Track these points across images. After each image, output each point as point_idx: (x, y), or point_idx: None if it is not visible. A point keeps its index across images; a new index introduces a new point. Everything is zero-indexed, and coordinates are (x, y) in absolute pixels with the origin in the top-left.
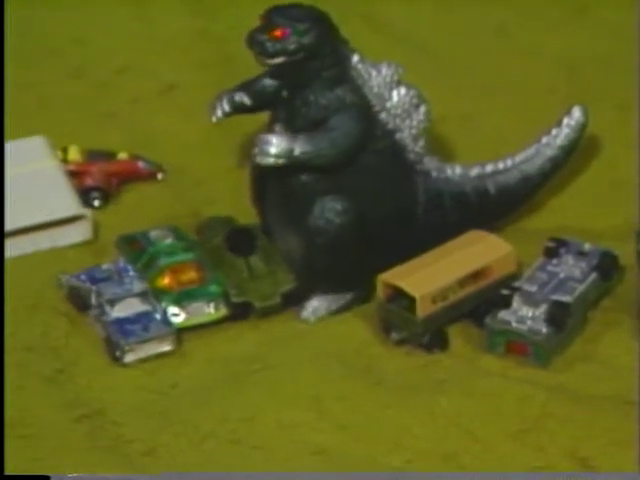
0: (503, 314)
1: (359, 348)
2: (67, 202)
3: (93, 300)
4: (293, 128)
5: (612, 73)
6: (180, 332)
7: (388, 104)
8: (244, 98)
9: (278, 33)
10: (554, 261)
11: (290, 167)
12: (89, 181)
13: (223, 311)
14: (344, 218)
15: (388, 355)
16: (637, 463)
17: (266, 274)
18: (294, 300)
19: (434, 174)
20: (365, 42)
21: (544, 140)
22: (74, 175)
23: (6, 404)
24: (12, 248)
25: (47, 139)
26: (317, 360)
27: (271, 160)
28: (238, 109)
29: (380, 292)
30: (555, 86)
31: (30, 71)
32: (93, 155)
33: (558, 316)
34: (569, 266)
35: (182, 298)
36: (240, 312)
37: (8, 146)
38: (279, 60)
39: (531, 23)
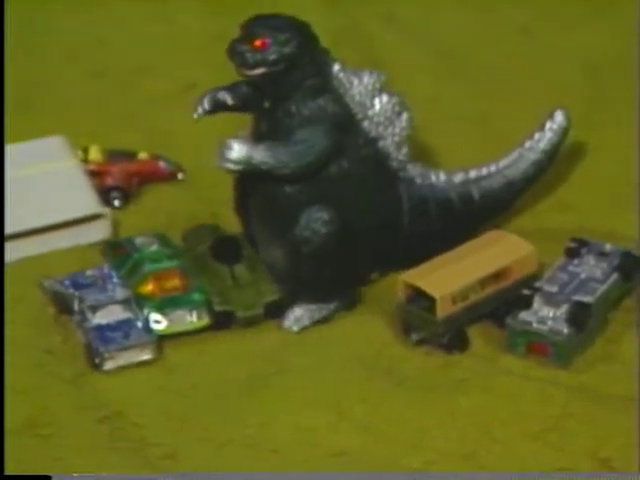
0: (524, 314)
1: (379, 349)
2: (87, 201)
3: (75, 306)
4: (275, 139)
5: (632, 73)
6: (161, 340)
7: (370, 112)
8: (227, 97)
9: (258, 43)
10: (575, 261)
11: (254, 174)
12: (110, 181)
13: (205, 320)
14: (330, 228)
15: (408, 356)
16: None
17: (250, 283)
18: (277, 311)
19: (418, 181)
20: (384, 42)
21: (527, 144)
22: (95, 175)
23: (25, 403)
24: (32, 247)
25: (67, 139)
26: (336, 361)
27: (230, 165)
28: (219, 107)
29: (400, 293)
30: (575, 87)
31: (51, 71)
32: (114, 155)
33: (579, 316)
34: (590, 266)
35: (165, 305)
36: (222, 321)
37: (28, 145)
38: (260, 71)
39: (553, 24)
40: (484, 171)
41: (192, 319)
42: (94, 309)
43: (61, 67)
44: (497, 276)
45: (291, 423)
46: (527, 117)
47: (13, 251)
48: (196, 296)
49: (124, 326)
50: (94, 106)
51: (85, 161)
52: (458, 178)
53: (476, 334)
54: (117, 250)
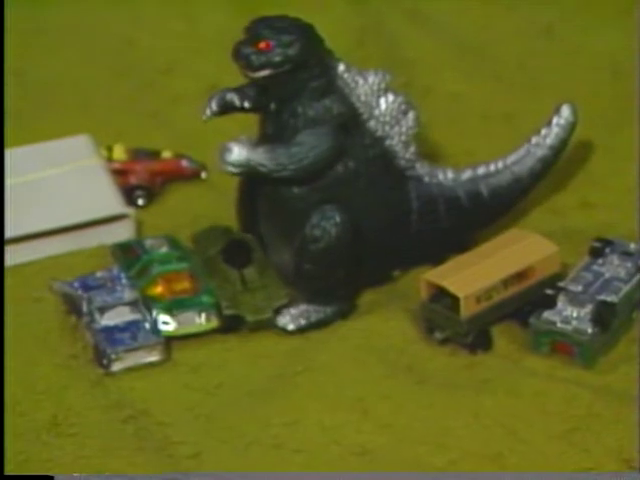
0: (548, 314)
1: (402, 347)
2: (111, 201)
3: (84, 307)
4: (282, 140)
5: None
6: (169, 341)
7: (376, 112)
8: (235, 99)
9: (263, 45)
10: (599, 261)
11: (251, 176)
12: (133, 180)
13: (214, 322)
14: (340, 230)
15: (431, 354)
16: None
17: (260, 288)
18: None
19: (426, 179)
20: (409, 40)
21: (534, 140)
22: (119, 174)
23: (50, 403)
24: (56, 246)
25: (92, 138)
26: (360, 360)
27: (229, 168)
28: (228, 109)
29: (423, 291)
30: (599, 85)
31: (78, 70)
32: (138, 154)
33: (603, 316)
34: (614, 266)
35: (173, 307)
36: (231, 325)
37: (54, 144)
38: (265, 73)
39: (577, 23)
40: (492, 168)
41: (201, 321)
42: (102, 310)
43: (87, 66)
44: (521, 276)
45: (315, 422)
46: (552, 115)
47: (37, 250)
48: (205, 298)
49: (132, 327)
50: (119, 105)
51: (109, 160)
52: (466, 175)
53: (500, 334)
54: (127, 252)
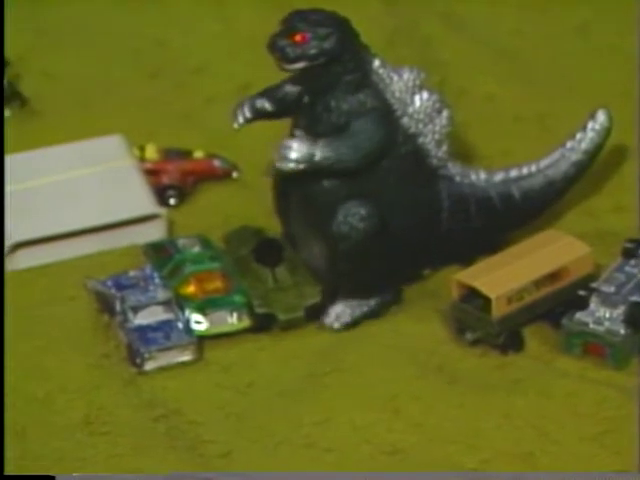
0: (580, 315)
1: (433, 347)
2: (143, 201)
3: (117, 307)
4: (315, 134)
5: None
6: (201, 341)
7: (410, 109)
8: (265, 104)
9: (299, 38)
10: (632, 262)
11: (311, 173)
12: (165, 179)
13: (246, 322)
14: (368, 223)
15: (462, 355)
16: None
17: (291, 286)
18: (318, 313)
19: (458, 179)
20: (442, 41)
21: (568, 144)
22: (151, 173)
23: (82, 402)
24: (89, 246)
25: (125, 138)
26: (390, 360)
27: (292, 165)
28: (260, 115)
29: (454, 292)
30: (632, 87)
31: (111, 71)
32: (170, 153)
33: (636, 317)
34: None
35: (206, 306)
36: (263, 323)
37: (87, 144)
38: (300, 65)
39: (610, 24)
40: (525, 171)
41: (233, 320)
42: (135, 310)
43: (120, 67)
44: (553, 277)
45: (346, 422)
46: (585, 117)
47: (70, 249)
48: (237, 298)
49: (165, 327)
50: (152, 105)
51: (142, 160)
52: (498, 177)
53: (531, 335)
54: (159, 251)
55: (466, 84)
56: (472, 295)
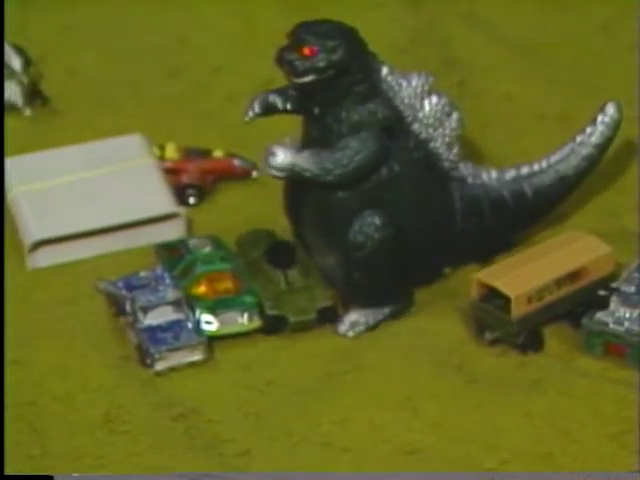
0: (600, 315)
1: (452, 346)
2: (162, 200)
3: (127, 307)
4: (325, 145)
5: None
6: (212, 341)
7: (420, 114)
8: (277, 101)
9: (307, 51)
10: None
11: (299, 181)
12: (185, 178)
13: (256, 322)
14: (383, 233)
15: (482, 354)
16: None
17: (303, 289)
18: (330, 316)
19: (470, 180)
20: (463, 40)
21: (578, 139)
22: (171, 172)
23: (102, 401)
24: (107, 244)
25: (146, 137)
26: (409, 359)
27: (274, 172)
28: (270, 110)
29: (474, 291)
30: None
31: (131, 70)
32: (189, 153)
33: None
34: None
35: (216, 306)
36: (274, 325)
37: (107, 143)
38: (309, 78)
39: (633, 22)
40: (535, 167)
41: (243, 321)
42: (145, 310)
43: (141, 66)
44: (573, 276)
45: (365, 421)
46: (596, 113)
47: (89, 248)
48: (248, 298)
49: (175, 327)
50: (172, 104)
51: (161, 159)
52: (510, 175)
53: (551, 334)
54: (170, 251)
55: (486, 84)
56: (492, 294)
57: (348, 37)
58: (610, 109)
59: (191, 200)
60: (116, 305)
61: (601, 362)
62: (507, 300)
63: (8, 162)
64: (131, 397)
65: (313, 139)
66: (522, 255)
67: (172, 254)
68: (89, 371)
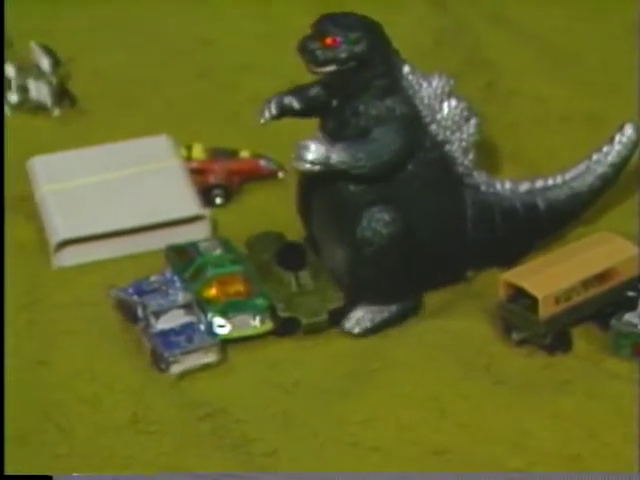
0: (629, 316)
1: (479, 346)
2: (188, 202)
3: (139, 313)
4: (342, 138)
5: None
6: (225, 343)
7: (438, 116)
8: (293, 102)
9: (329, 41)
10: None
11: (328, 175)
12: (212, 179)
13: (269, 325)
14: (392, 229)
15: (509, 354)
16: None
17: (315, 290)
18: (341, 317)
19: (483, 188)
20: (490, 41)
21: (595, 157)
22: (197, 173)
23: (129, 402)
24: (132, 246)
25: (173, 137)
26: (436, 359)
27: (307, 166)
28: (286, 112)
29: (501, 292)
30: None
31: (158, 70)
32: (216, 153)
33: None
34: None
35: (228, 309)
36: (287, 327)
37: (133, 144)
38: (330, 68)
39: None
40: (550, 182)
41: (255, 323)
42: (157, 315)
43: (168, 66)
44: (601, 277)
45: (392, 421)
46: (636, 118)
47: (114, 249)
48: (259, 301)
49: (187, 330)
50: (199, 105)
51: (188, 159)
52: (523, 187)
53: (579, 335)
54: (181, 254)
55: (515, 85)
56: (519, 295)
57: (371, 30)
58: (628, 130)
59: (217, 200)
60: (128, 311)
61: (629, 363)
62: (534, 301)
63: (36, 161)
64: (158, 399)
65: (329, 132)
66: (550, 256)
67: (182, 257)
68: (115, 373)
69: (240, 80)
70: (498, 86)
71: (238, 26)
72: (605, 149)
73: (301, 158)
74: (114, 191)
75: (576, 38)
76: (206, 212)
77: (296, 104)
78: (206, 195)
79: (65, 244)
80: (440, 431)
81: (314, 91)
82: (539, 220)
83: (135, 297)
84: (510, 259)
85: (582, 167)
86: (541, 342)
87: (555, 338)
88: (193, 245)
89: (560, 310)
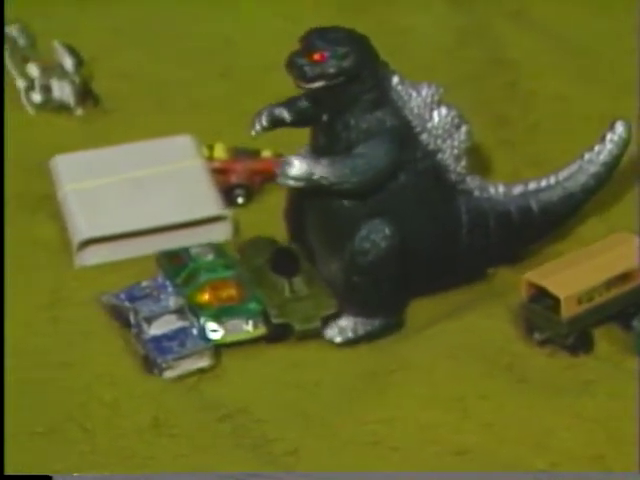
0: None
1: (501, 346)
2: (210, 202)
3: (132, 319)
4: (334, 152)
5: None
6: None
7: (429, 125)
8: (284, 113)
9: (317, 57)
10: None
11: (314, 190)
12: (234, 178)
13: (261, 329)
14: (389, 242)
15: (531, 354)
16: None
17: (308, 296)
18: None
19: (477, 193)
20: (511, 40)
21: (586, 156)
22: (219, 172)
23: (150, 406)
24: (153, 245)
25: (195, 137)
26: (457, 357)
27: (291, 182)
28: (277, 124)
29: (523, 291)
30: None
31: (180, 70)
32: (238, 153)
33: None
34: None
35: (221, 314)
36: (280, 333)
37: (156, 143)
38: (318, 84)
39: None
40: (543, 183)
41: (248, 328)
42: (149, 320)
43: (190, 66)
44: (623, 278)
45: (413, 420)
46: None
47: (136, 248)
48: (252, 305)
49: (180, 335)
50: (221, 105)
51: (210, 159)
52: (517, 190)
53: (601, 336)
54: (173, 259)
55: (537, 85)
56: (541, 295)
57: (359, 44)
58: (619, 128)
59: (239, 200)
60: (120, 317)
61: None
62: (557, 301)
63: (59, 160)
64: (177, 402)
65: (320, 147)
66: (572, 256)
67: (174, 262)
68: (135, 377)
69: (262, 80)
70: (520, 86)
71: (260, 26)
72: (597, 148)
73: (284, 174)
74: (136, 190)
75: (598, 37)
76: (228, 213)
77: (287, 116)
78: (228, 195)
79: (87, 243)
80: (461, 431)
81: (305, 103)
82: (533, 222)
83: (127, 303)
84: (503, 262)
85: (574, 167)
86: (563, 343)
87: (577, 339)
88: (185, 250)
89: (582, 310)
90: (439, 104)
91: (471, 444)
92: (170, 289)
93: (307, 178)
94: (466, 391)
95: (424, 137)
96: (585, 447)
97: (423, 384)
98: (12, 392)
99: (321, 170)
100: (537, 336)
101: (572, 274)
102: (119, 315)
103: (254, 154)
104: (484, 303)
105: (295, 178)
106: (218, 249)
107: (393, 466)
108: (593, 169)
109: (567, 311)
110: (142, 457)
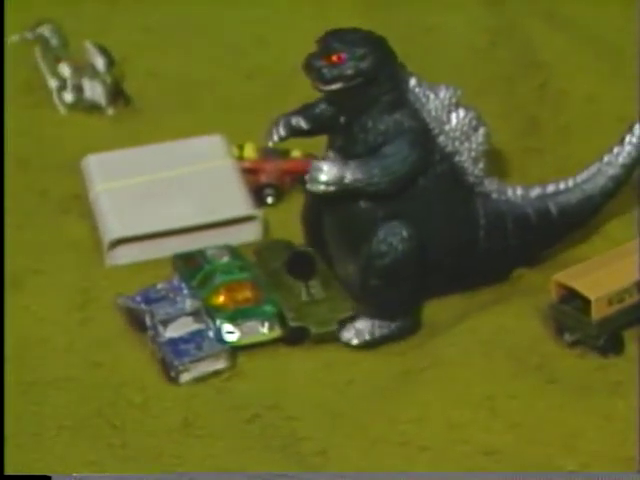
0: None
1: (531, 345)
2: (240, 202)
3: (147, 321)
4: (352, 154)
5: None
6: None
7: (447, 127)
8: (301, 122)
9: (335, 58)
10: None
11: (342, 194)
12: (263, 178)
13: (277, 331)
14: (407, 245)
15: (561, 354)
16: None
17: (324, 300)
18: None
19: (494, 196)
20: (544, 41)
21: (606, 159)
22: (249, 172)
23: (180, 408)
24: (183, 245)
25: (225, 137)
26: (488, 356)
27: (322, 187)
28: (295, 133)
29: (553, 292)
30: None
31: (211, 70)
32: (268, 153)
33: None
34: None
35: (237, 316)
36: (296, 336)
37: (186, 143)
38: (336, 86)
39: None
40: (562, 186)
41: (264, 330)
42: (165, 323)
43: (221, 66)
44: None
45: (443, 420)
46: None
47: (166, 248)
48: (268, 308)
49: (196, 337)
50: (251, 105)
51: (240, 158)
52: (535, 193)
53: (631, 338)
54: (188, 262)
55: (568, 85)
56: (571, 296)
57: (377, 46)
58: (637, 130)
59: (269, 200)
60: (136, 320)
61: None
62: (587, 302)
63: (90, 160)
64: (207, 404)
65: (338, 148)
66: (602, 257)
67: (190, 264)
68: (164, 383)
69: (293, 80)
70: (551, 87)
71: (291, 26)
72: (616, 150)
73: (315, 180)
74: (167, 190)
75: (630, 37)
76: (258, 212)
77: (304, 124)
78: (257, 194)
79: (118, 243)
80: (491, 431)
81: (321, 109)
82: (552, 225)
83: (143, 305)
84: (522, 264)
85: (593, 169)
86: (594, 344)
87: (608, 340)
88: (200, 252)
89: (613, 312)
90: (457, 106)
91: (500, 444)
92: (186, 291)
93: (338, 182)
94: (496, 390)
95: (442, 139)
96: (615, 448)
97: (453, 383)
98: (36, 390)
99: (352, 172)
100: (567, 337)
101: (602, 275)
102: (135, 318)
103: (284, 154)
104: (511, 303)
105: (327, 183)
106: (234, 251)
107: (422, 466)
108: (612, 171)
109: (597, 312)
110: (171, 456)
